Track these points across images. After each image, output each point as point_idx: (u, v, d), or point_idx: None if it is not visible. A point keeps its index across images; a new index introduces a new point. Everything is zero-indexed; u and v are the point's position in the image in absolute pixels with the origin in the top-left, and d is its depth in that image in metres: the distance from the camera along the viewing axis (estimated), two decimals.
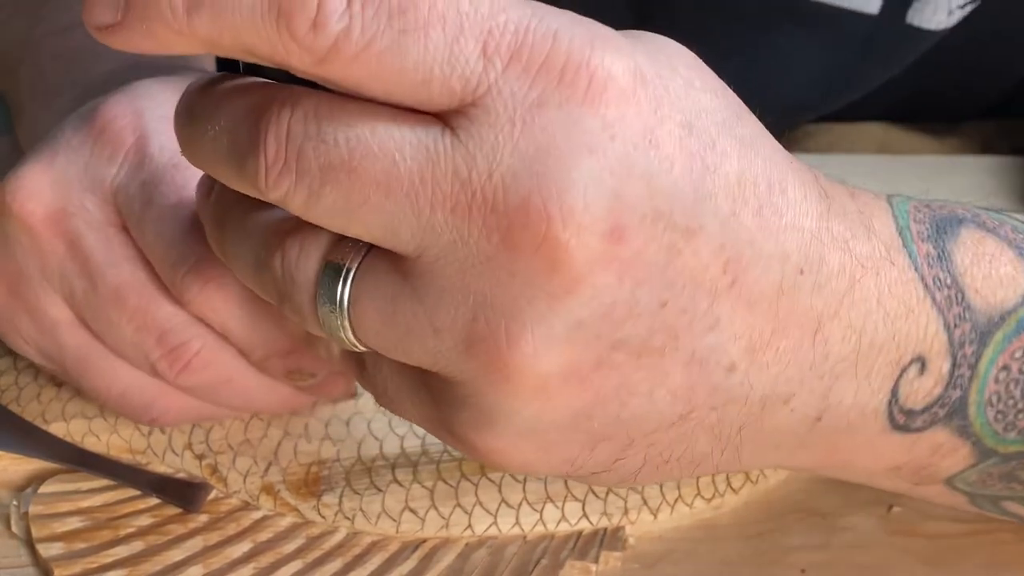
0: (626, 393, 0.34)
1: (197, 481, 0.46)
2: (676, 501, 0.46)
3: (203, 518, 0.45)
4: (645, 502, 0.46)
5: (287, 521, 0.45)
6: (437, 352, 0.34)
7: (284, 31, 0.31)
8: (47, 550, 0.43)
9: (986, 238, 0.38)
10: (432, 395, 0.36)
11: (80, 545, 0.43)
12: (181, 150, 0.36)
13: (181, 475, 0.47)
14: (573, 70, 0.32)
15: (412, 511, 0.45)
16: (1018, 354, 0.37)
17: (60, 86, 0.52)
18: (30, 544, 0.44)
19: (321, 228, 0.34)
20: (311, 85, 0.33)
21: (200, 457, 0.47)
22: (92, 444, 0.48)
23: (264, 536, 0.45)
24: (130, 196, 0.43)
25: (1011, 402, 0.38)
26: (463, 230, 0.32)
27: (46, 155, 0.44)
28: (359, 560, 0.44)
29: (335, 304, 0.34)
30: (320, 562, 0.44)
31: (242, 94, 0.34)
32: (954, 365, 0.37)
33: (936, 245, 0.37)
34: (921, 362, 0.37)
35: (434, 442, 0.47)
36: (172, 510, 0.45)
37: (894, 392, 0.37)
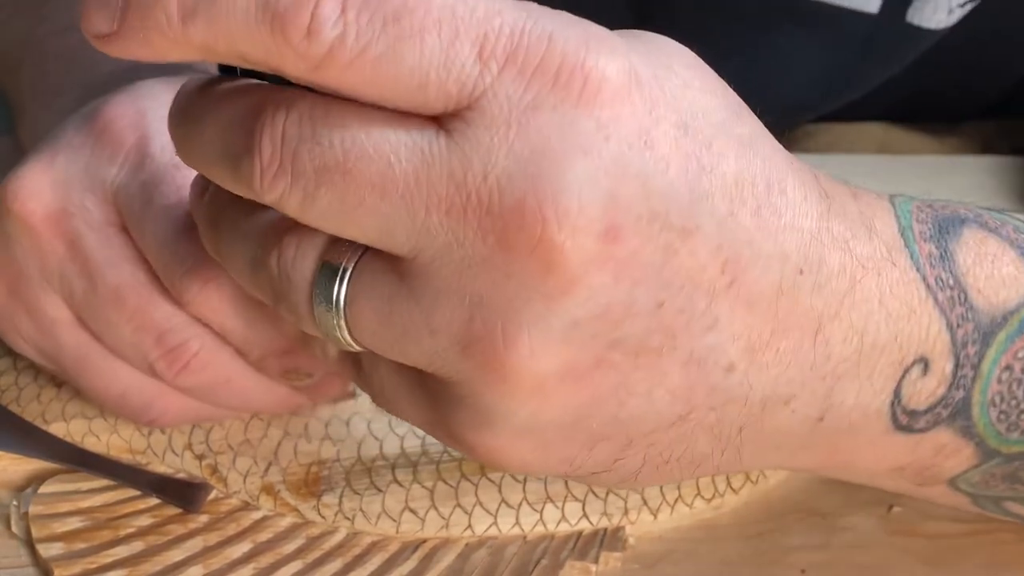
0: (624, 393, 0.34)
1: (197, 481, 0.46)
2: (676, 501, 0.46)
3: (203, 518, 0.45)
4: (645, 502, 0.46)
5: (287, 521, 0.45)
6: (434, 352, 0.34)
7: (279, 38, 0.31)
8: (47, 550, 0.43)
9: (988, 238, 0.38)
10: (429, 395, 0.36)
11: (80, 545, 0.43)
12: (176, 151, 0.36)
13: (181, 475, 0.47)
14: (568, 72, 0.32)
15: (412, 511, 0.45)
16: (1021, 354, 0.37)
17: (62, 86, 0.52)
18: (30, 544, 0.44)
19: None
20: (307, 88, 0.33)
21: (200, 457, 0.47)
22: (92, 444, 0.48)
23: (264, 536, 0.45)
24: (130, 196, 0.43)
25: (1014, 402, 0.38)
26: (458, 232, 0.32)
27: (47, 155, 0.44)
28: (359, 560, 0.44)
29: (331, 304, 0.34)
30: (320, 562, 0.44)
31: (237, 96, 0.34)
32: (957, 365, 0.37)
33: (938, 245, 0.37)
34: (924, 363, 0.37)
35: (434, 442, 0.47)
36: (172, 510, 0.45)
37: (897, 393, 0.37)
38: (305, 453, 0.47)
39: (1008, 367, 0.37)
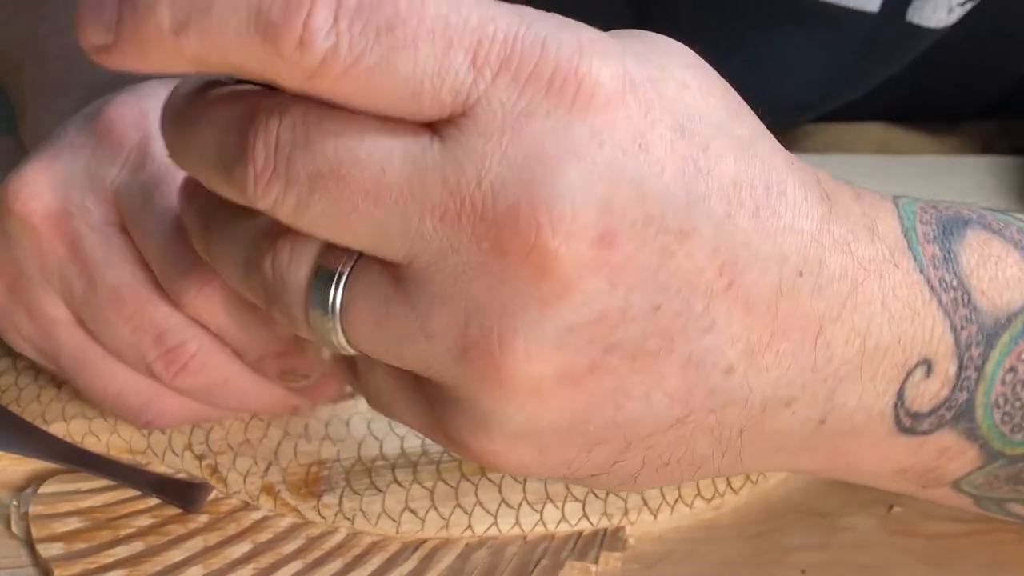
0: (621, 396, 0.34)
1: (197, 481, 0.46)
2: (676, 501, 0.46)
3: (203, 518, 0.45)
4: (645, 502, 0.46)
5: (287, 521, 0.45)
6: (430, 357, 0.34)
7: (271, 49, 0.31)
8: (47, 550, 0.43)
9: (992, 239, 0.38)
10: (425, 399, 0.36)
11: (80, 545, 0.43)
12: (169, 153, 0.36)
13: (181, 475, 0.47)
14: (561, 78, 0.32)
15: (412, 511, 0.45)
16: None
17: (64, 86, 0.52)
18: (30, 544, 0.44)
19: None
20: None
21: (200, 457, 0.47)
22: (92, 444, 0.48)
23: (264, 536, 0.45)
24: (130, 196, 0.43)
25: (1018, 404, 0.38)
26: (453, 238, 0.32)
27: (48, 155, 0.44)
28: (359, 560, 0.44)
29: (327, 309, 0.34)
30: (320, 562, 0.44)
31: (231, 101, 0.34)
32: (961, 367, 0.37)
33: (942, 247, 0.37)
34: (927, 364, 0.37)
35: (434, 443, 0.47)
36: (172, 510, 0.45)
37: (900, 395, 0.37)
38: (305, 453, 0.47)
39: (1012, 369, 0.37)
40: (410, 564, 0.44)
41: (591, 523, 0.46)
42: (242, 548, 0.44)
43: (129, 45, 0.32)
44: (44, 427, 0.48)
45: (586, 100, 0.32)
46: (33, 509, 0.45)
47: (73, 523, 0.44)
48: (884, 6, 0.67)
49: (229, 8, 0.31)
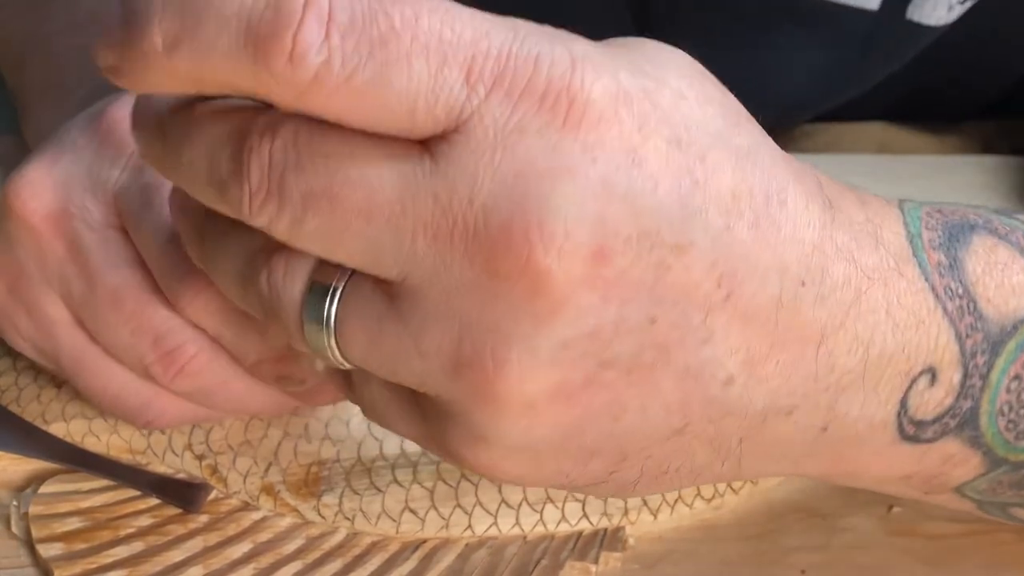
0: (618, 409, 0.34)
1: (197, 481, 0.46)
2: (676, 501, 0.46)
3: (203, 518, 0.45)
4: (645, 502, 0.46)
5: (287, 522, 0.45)
6: (424, 374, 0.34)
7: (261, 66, 0.31)
8: (47, 550, 0.43)
9: (998, 245, 0.37)
10: (421, 412, 0.36)
11: (80, 545, 0.43)
12: (153, 167, 0.36)
13: (181, 475, 0.47)
14: (554, 95, 0.31)
15: (412, 511, 0.45)
16: None
17: (68, 84, 0.52)
18: (30, 544, 0.44)
19: None
20: None
21: (200, 457, 0.47)
22: (92, 444, 0.48)
23: (264, 537, 0.45)
24: (130, 198, 0.43)
25: (1022, 411, 0.37)
26: (445, 256, 0.32)
27: (50, 155, 0.44)
28: (359, 561, 0.44)
29: (322, 324, 0.34)
30: (320, 563, 0.44)
31: (222, 118, 0.34)
32: (965, 376, 0.36)
33: (948, 254, 0.37)
34: (931, 373, 0.36)
35: None
36: (172, 510, 0.45)
37: (903, 403, 0.36)
38: (305, 453, 0.47)
39: (1017, 376, 0.37)
40: (410, 564, 0.44)
41: (591, 523, 0.46)
42: (242, 548, 0.44)
43: (130, 66, 0.32)
44: (44, 427, 0.48)
45: (578, 116, 0.32)
46: (33, 509, 0.45)
47: (73, 523, 0.44)
48: (884, 4, 0.67)
49: (219, 25, 0.31)
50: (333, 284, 0.34)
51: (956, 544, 0.46)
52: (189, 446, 0.47)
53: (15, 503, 0.45)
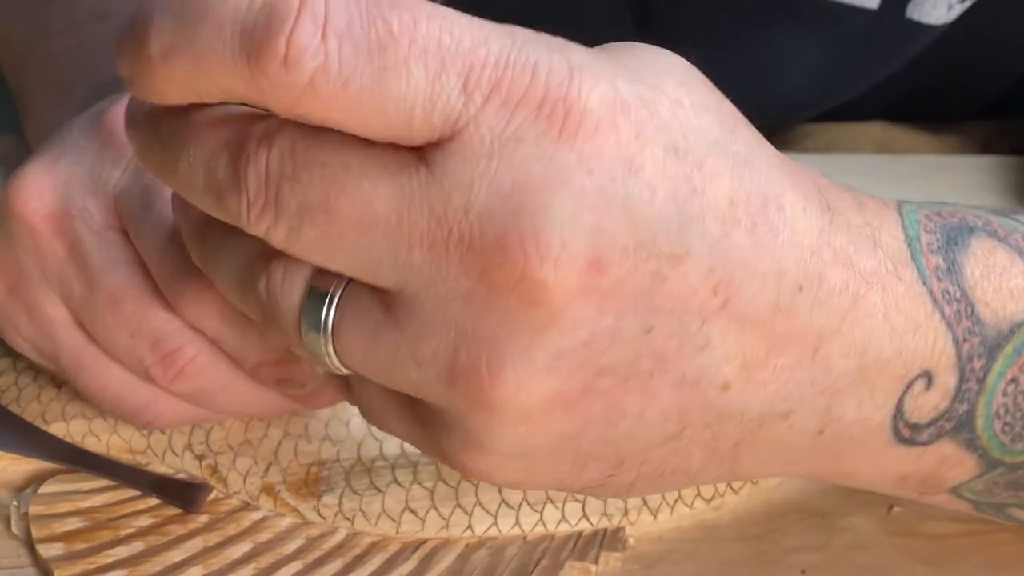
0: (614, 416, 0.34)
1: (197, 481, 0.46)
2: (676, 501, 0.46)
3: (203, 519, 0.45)
4: (645, 503, 0.46)
5: (287, 522, 0.45)
6: (420, 382, 0.34)
7: (256, 69, 0.31)
8: (47, 551, 0.43)
9: (997, 248, 0.37)
10: (418, 418, 0.36)
11: (80, 546, 0.43)
12: (151, 172, 0.36)
13: (181, 475, 0.47)
14: (551, 105, 0.31)
15: (412, 511, 0.45)
16: None
17: (71, 82, 0.52)
18: (30, 544, 0.44)
19: None
20: None
21: (200, 457, 0.47)
22: (92, 444, 0.48)
23: (264, 537, 0.45)
24: (131, 200, 0.43)
25: (1019, 414, 0.37)
26: (441, 267, 0.32)
27: (51, 155, 0.44)
28: (359, 561, 0.44)
29: (319, 330, 0.34)
30: (320, 563, 0.44)
31: (217, 127, 0.33)
32: (961, 379, 0.36)
33: (946, 257, 0.36)
34: (927, 377, 0.36)
35: None
36: (172, 510, 0.45)
37: (899, 406, 0.36)
38: (305, 453, 0.47)
39: (1014, 380, 0.37)
40: (410, 564, 0.44)
41: (591, 523, 0.46)
42: (242, 548, 0.44)
43: (136, 75, 0.32)
44: (44, 427, 0.48)
45: (575, 126, 0.31)
46: (33, 509, 0.45)
47: (73, 523, 0.44)
48: (884, 3, 0.67)
49: (214, 30, 0.31)
50: (331, 291, 0.34)
51: (956, 544, 0.46)
52: (189, 446, 0.47)
53: (15, 503, 0.45)
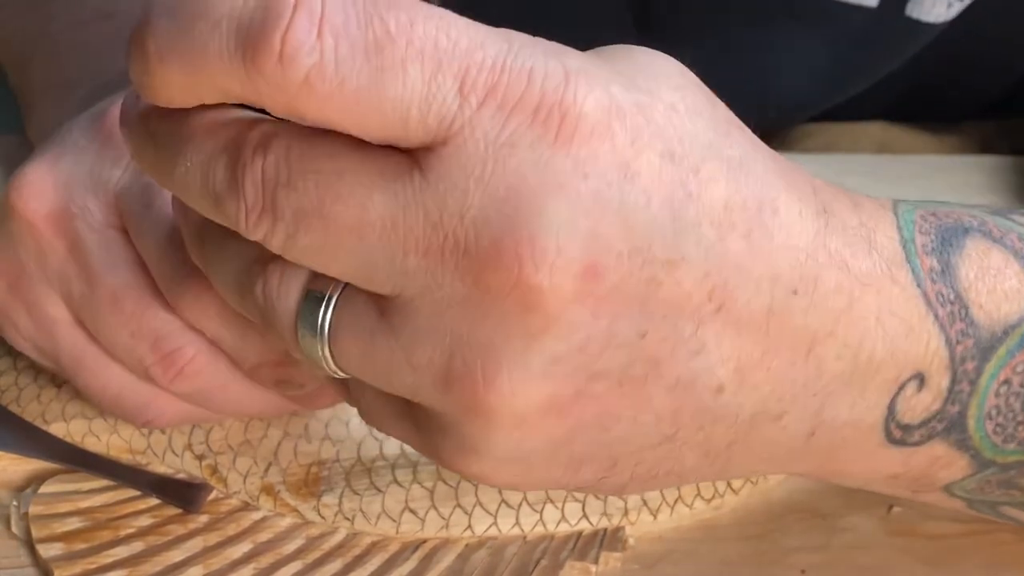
0: (609, 419, 0.34)
1: (197, 481, 0.46)
2: (676, 501, 0.46)
3: (203, 519, 0.45)
4: (645, 502, 0.46)
5: (287, 522, 0.45)
6: (416, 387, 0.34)
7: (251, 68, 0.30)
8: (47, 551, 0.43)
9: (992, 249, 0.37)
10: (414, 421, 0.36)
11: (80, 546, 0.43)
12: (148, 174, 0.36)
13: (181, 475, 0.47)
14: (546, 110, 0.31)
15: (412, 511, 0.45)
16: (1020, 368, 0.37)
17: (75, 80, 0.52)
18: (30, 545, 0.44)
19: None
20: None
21: (200, 457, 0.47)
22: (92, 444, 0.48)
23: (264, 537, 0.45)
24: (131, 199, 0.43)
25: (1011, 415, 0.37)
26: (436, 273, 0.32)
27: (52, 154, 0.44)
28: (359, 561, 0.44)
29: (316, 334, 0.34)
30: (320, 563, 0.44)
31: (212, 131, 0.33)
32: (954, 381, 0.36)
33: (940, 259, 0.36)
34: (920, 378, 0.36)
35: None
36: (172, 510, 0.45)
37: (891, 408, 0.36)
38: (305, 453, 0.47)
39: (1007, 381, 0.37)
40: (410, 564, 0.44)
41: (591, 523, 0.46)
42: (242, 548, 0.44)
43: (139, 76, 0.32)
44: (44, 427, 0.48)
45: (570, 132, 0.31)
46: (33, 509, 0.45)
47: (73, 523, 0.44)
48: (883, 1, 0.67)
49: (210, 27, 0.31)
50: (327, 294, 0.34)
51: (956, 544, 0.46)
52: (189, 446, 0.47)
53: (15, 503, 0.45)
